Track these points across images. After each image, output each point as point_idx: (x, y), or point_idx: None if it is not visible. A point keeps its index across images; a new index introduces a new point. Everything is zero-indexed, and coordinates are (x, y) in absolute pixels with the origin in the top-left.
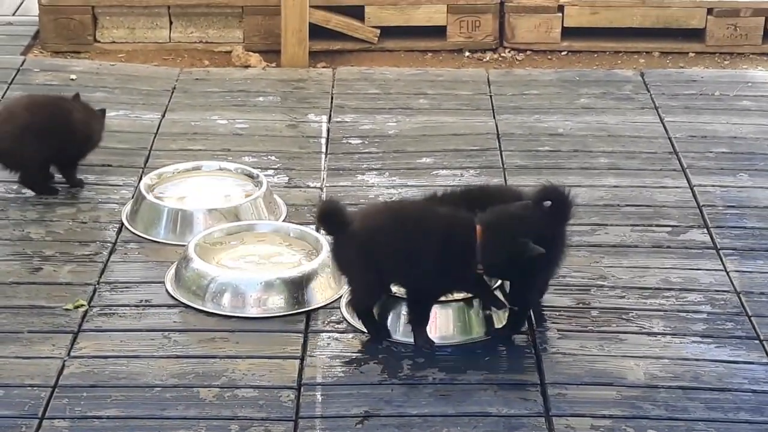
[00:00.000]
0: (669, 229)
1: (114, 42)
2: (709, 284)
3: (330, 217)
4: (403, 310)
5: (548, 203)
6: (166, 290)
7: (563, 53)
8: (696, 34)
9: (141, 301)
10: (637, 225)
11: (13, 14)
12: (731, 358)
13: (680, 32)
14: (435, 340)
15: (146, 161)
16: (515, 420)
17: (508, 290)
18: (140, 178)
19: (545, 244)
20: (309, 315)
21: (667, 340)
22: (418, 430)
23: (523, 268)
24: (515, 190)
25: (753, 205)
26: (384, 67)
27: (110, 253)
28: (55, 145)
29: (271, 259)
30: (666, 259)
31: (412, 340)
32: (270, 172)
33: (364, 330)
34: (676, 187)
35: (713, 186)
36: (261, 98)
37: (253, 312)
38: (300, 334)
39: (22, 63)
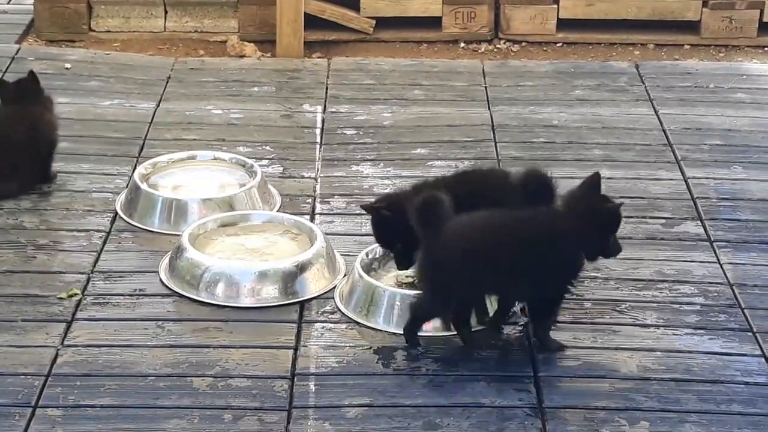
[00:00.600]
0: (663, 221)
1: (109, 31)
2: (702, 276)
3: (431, 209)
4: (397, 300)
5: (531, 188)
6: (160, 280)
7: (558, 45)
8: (691, 27)
9: (135, 290)
10: (631, 217)
11: (8, 2)
12: (724, 350)
13: (675, 24)
14: (428, 332)
15: (141, 151)
16: (508, 411)
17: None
18: (135, 168)
19: None
20: (303, 305)
21: (660, 332)
22: (412, 421)
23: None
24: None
25: (747, 197)
26: (379, 58)
27: (104, 243)
28: None
29: (265, 249)
30: (660, 251)
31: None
32: (264, 162)
33: (359, 320)
34: (670, 179)
35: (707, 178)
36: (256, 88)
37: (247, 302)
38: (294, 324)
39: (17, 51)
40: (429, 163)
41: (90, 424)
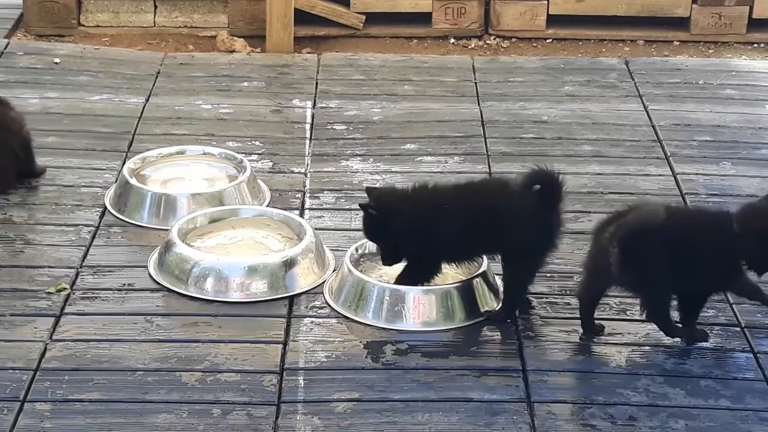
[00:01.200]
0: None
1: (98, 26)
2: None
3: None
4: (386, 295)
5: (537, 187)
6: (149, 274)
7: (548, 41)
8: (681, 23)
9: (124, 284)
10: None
11: None
12: (713, 346)
13: (665, 21)
14: (418, 326)
15: (130, 145)
16: (497, 405)
17: (503, 275)
18: (124, 162)
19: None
20: (292, 300)
21: (649, 327)
22: (401, 415)
23: None
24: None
25: (736, 193)
26: (369, 53)
27: (93, 237)
28: None
29: (254, 243)
30: None
31: (395, 326)
32: (254, 157)
33: (348, 315)
34: (660, 175)
35: (696, 174)
36: (246, 83)
37: (236, 296)
38: (283, 319)
39: (6, 46)
40: (418, 159)
41: (78, 418)
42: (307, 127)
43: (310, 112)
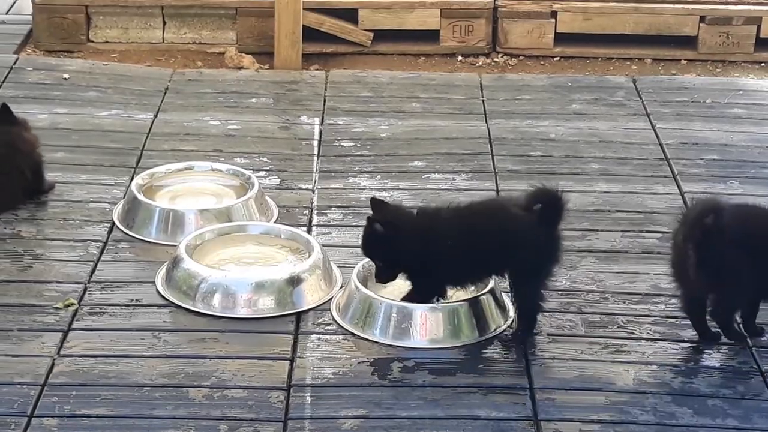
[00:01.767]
0: (659, 235)
1: (107, 42)
2: None
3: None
4: (393, 312)
5: (539, 206)
6: (157, 290)
7: (556, 59)
8: (688, 42)
9: (131, 300)
10: (628, 231)
11: (7, 12)
12: (720, 365)
13: (672, 39)
14: (425, 344)
15: (138, 161)
16: (504, 423)
17: (514, 297)
18: (132, 178)
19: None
20: (299, 316)
21: (657, 346)
22: None
23: None
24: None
25: None
26: (377, 71)
27: (101, 253)
28: None
29: (261, 260)
30: (656, 265)
31: (402, 343)
32: (262, 173)
33: (355, 332)
34: (667, 194)
35: (704, 193)
36: (254, 100)
37: (243, 313)
38: (290, 336)
39: (15, 62)
40: (426, 176)
41: None
42: (315, 143)
43: (318, 129)
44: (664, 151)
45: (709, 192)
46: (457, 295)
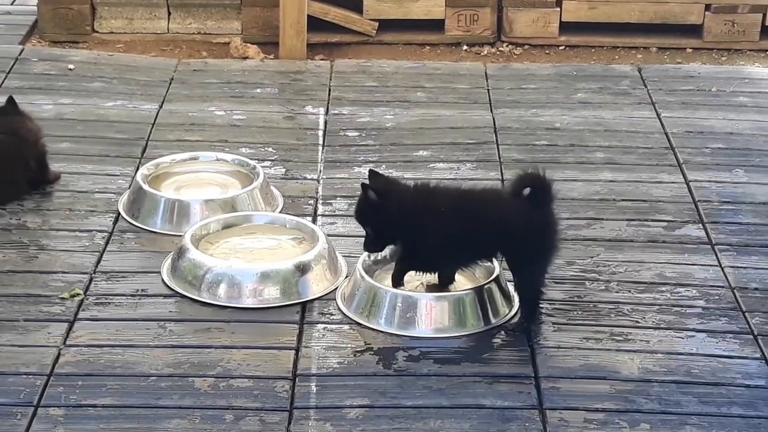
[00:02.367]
0: (664, 224)
1: (112, 32)
2: (703, 279)
3: None
4: (399, 302)
5: (527, 190)
6: (162, 280)
7: (561, 48)
8: (694, 30)
9: (137, 290)
10: (633, 220)
11: (12, 3)
12: (725, 353)
13: (678, 28)
14: (430, 333)
15: (143, 151)
16: (509, 412)
17: (515, 285)
18: (137, 168)
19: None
20: (305, 306)
21: (661, 335)
22: (413, 422)
23: None
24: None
25: (748, 200)
26: (382, 60)
27: (106, 243)
28: None
29: (266, 250)
30: (661, 253)
31: (407, 332)
32: (267, 163)
33: (360, 322)
34: (672, 183)
35: (709, 181)
36: (259, 90)
37: (248, 302)
38: (295, 325)
39: (21, 52)
40: (431, 165)
41: (92, 423)
42: (320, 133)
43: (323, 119)
44: (669, 140)
45: (715, 181)
46: (462, 284)
